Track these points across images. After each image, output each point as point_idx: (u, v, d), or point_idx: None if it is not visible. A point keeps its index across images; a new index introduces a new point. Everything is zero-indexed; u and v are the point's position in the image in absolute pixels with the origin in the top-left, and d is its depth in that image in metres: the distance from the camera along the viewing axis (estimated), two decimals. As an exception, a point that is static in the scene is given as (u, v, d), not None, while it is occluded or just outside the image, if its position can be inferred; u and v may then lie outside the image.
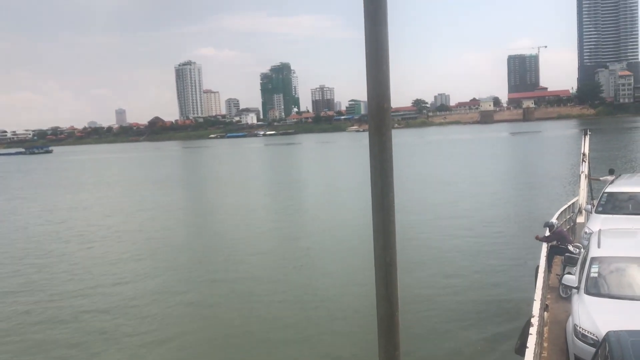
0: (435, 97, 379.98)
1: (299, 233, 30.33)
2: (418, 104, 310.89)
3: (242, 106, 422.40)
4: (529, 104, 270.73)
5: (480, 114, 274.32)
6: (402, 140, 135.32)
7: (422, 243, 24.70)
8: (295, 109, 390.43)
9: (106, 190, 57.42)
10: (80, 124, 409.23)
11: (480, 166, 60.65)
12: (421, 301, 17.07)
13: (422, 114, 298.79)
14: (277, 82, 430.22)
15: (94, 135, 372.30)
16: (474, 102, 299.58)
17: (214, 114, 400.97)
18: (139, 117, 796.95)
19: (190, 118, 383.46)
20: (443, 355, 13.75)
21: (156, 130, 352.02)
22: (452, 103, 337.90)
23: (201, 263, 24.24)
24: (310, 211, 37.91)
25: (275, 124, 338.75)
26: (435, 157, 77.62)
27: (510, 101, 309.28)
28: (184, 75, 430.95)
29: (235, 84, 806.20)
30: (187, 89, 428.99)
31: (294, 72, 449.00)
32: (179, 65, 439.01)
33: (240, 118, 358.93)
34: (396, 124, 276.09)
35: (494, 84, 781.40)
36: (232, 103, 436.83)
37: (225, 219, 35.42)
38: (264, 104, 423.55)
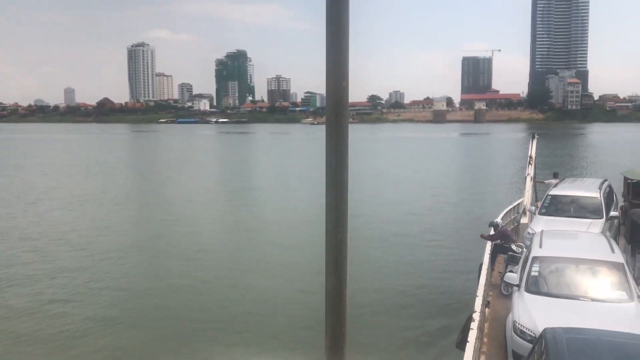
0: (390, 94, 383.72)
1: (251, 223, 30.10)
2: (373, 99, 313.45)
3: (195, 92, 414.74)
4: (481, 105, 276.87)
5: (433, 113, 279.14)
6: (355, 135, 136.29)
7: (370, 241, 24.89)
8: (250, 98, 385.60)
9: (38, 175, 54.49)
10: (26, 102, 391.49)
11: (430, 166, 61.71)
12: (367, 295, 17.23)
13: (377, 110, 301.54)
14: (233, 69, 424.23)
15: (39, 113, 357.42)
16: (428, 101, 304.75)
17: (165, 98, 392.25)
18: (89, 97, 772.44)
19: (141, 101, 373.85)
20: (387, 346, 13.92)
21: (105, 111, 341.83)
22: (407, 101, 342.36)
23: (143, 253, 23.69)
24: (262, 201, 37.70)
25: (229, 111, 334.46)
26: (388, 155, 78.39)
27: (463, 102, 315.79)
28: (136, 57, 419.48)
29: (189, 69, 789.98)
30: (139, 71, 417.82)
31: (250, 60, 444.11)
32: (132, 46, 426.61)
33: (193, 104, 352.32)
34: (350, 119, 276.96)
35: (448, 85, 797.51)
36: (185, 88, 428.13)
37: (174, 209, 34.65)
38: (218, 91, 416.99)
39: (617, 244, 12.94)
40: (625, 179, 22.21)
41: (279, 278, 19.45)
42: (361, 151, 79.75)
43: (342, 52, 1.51)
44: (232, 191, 42.84)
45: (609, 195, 18.28)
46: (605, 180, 19.52)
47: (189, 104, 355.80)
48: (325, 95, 1.69)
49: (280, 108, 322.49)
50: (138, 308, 16.66)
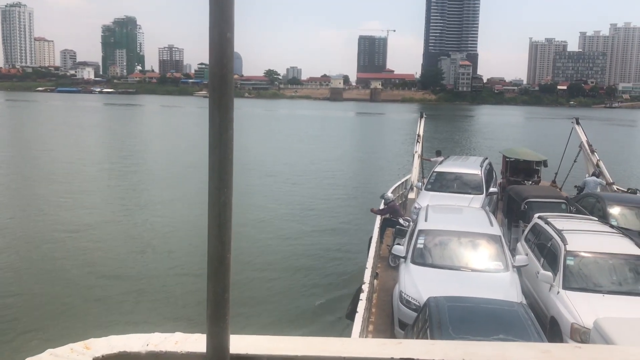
0: (287, 69, 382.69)
1: (136, 203, 28.90)
2: (270, 74, 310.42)
3: (79, 59, 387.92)
4: (377, 85, 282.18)
5: (330, 90, 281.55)
6: (250, 111, 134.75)
7: (262, 217, 24.87)
8: (139, 68, 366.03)
9: None
10: None
11: (325, 144, 62.50)
12: (257, 270, 17.30)
13: (274, 86, 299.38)
14: (121, 36, 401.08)
15: None
16: (325, 79, 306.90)
17: (46, 65, 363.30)
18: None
19: (17, 67, 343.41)
20: (277, 319, 14.02)
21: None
22: (304, 77, 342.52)
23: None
24: (147, 182, 36.30)
25: (116, 81, 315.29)
26: (282, 132, 78.16)
27: (359, 81, 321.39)
28: (12, 18, 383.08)
29: (73, 35, 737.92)
30: (14, 34, 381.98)
31: (140, 28, 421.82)
32: (6, 6, 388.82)
33: (76, 72, 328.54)
34: (247, 93, 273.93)
35: (345, 63, 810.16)
36: (69, 55, 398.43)
37: (45, 190, 32.34)
38: (104, 59, 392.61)
39: (496, 217, 13.88)
40: (504, 157, 23.94)
41: (164, 256, 19.01)
42: (256, 128, 79.17)
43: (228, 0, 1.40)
44: (112, 169, 40.68)
45: (489, 173, 19.54)
46: (486, 159, 20.83)
47: (72, 72, 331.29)
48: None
49: (172, 79, 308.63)
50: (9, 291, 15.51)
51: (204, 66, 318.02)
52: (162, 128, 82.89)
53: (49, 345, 1.74)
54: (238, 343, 1.62)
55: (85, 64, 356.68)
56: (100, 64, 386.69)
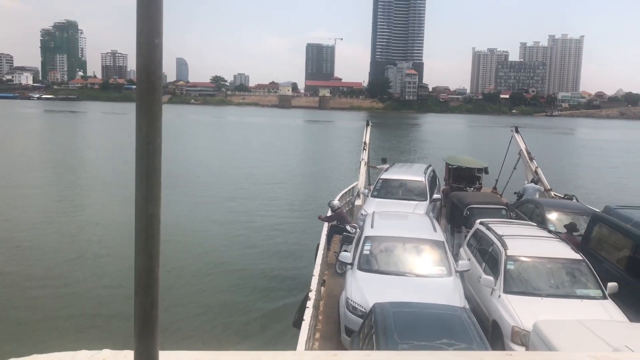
0: (235, 76, 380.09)
1: (65, 215, 27.92)
2: (217, 81, 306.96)
3: (16, 64, 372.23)
4: (325, 92, 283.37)
5: (279, 98, 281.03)
6: (196, 118, 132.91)
7: (206, 226, 24.50)
8: (81, 73, 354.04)
9: None
10: None
11: (273, 152, 62.27)
12: (204, 282, 17.00)
13: (221, 92, 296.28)
14: (61, 41, 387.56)
15: None
16: (273, 86, 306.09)
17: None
18: None
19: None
20: (226, 332, 13.80)
21: None
22: (252, 84, 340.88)
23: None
24: (80, 193, 35.22)
25: (56, 87, 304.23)
26: (229, 140, 77.26)
27: (308, 88, 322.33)
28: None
29: (10, 39, 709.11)
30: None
31: (81, 32, 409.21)
32: None
33: (13, 77, 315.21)
34: (193, 100, 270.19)
35: (293, 70, 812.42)
36: (5, 59, 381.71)
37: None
38: (43, 65, 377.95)
39: (439, 223, 14.16)
40: (447, 164, 24.53)
41: (94, 269, 18.34)
42: (201, 136, 78.06)
43: (156, 5, 1.36)
44: (47, 181, 39.20)
45: (433, 180, 19.96)
46: (430, 166, 21.26)
47: (9, 77, 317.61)
48: (138, 66, 1.48)
49: (115, 85, 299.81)
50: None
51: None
52: (103, 135, 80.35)
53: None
54: (167, 359, 1.57)
55: (23, 69, 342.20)
56: (40, 69, 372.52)
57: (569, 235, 12.70)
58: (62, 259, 19.24)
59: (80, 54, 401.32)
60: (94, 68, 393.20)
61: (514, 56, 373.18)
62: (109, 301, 15.23)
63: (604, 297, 9.48)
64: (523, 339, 8.30)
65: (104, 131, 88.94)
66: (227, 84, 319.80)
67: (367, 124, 26.42)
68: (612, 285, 9.79)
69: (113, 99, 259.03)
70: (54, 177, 38.13)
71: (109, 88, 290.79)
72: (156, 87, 1.38)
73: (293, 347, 7.90)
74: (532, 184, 20.74)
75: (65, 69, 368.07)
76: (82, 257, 19.54)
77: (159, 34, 1.39)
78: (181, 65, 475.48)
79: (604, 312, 8.86)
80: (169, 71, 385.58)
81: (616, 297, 9.65)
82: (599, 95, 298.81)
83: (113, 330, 13.29)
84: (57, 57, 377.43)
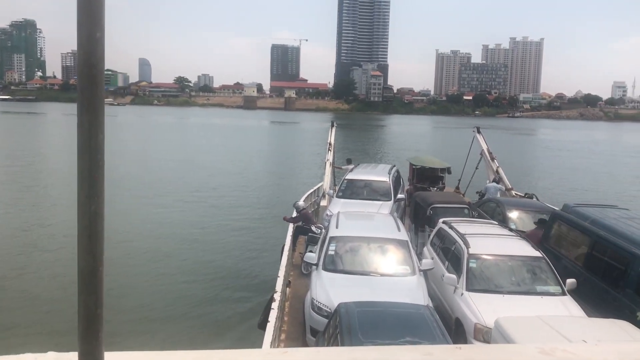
0: (199, 76, 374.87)
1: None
2: (181, 81, 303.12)
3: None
4: (291, 93, 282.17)
5: (244, 98, 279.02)
6: (159, 119, 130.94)
7: (169, 228, 24.18)
8: (40, 74, 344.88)
9: None
10: None
11: (237, 153, 61.79)
12: (167, 284, 16.75)
13: (185, 93, 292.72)
14: (19, 40, 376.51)
15: None
16: (238, 86, 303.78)
17: None
18: None
19: None
20: (188, 333, 13.62)
21: None
22: (216, 85, 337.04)
23: None
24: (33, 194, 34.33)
25: (13, 88, 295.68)
26: (192, 142, 76.32)
27: (273, 89, 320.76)
28: None
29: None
30: None
31: (40, 32, 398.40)
32: None
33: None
34: (156, 101, 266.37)
35: (258, 71, 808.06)
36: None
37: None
38: (0, 65, 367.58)
39: (403, 223, 14.29)
40: (411, 165, 24.79)
41: (37, 271, 17.90)
42: (163, 138, 76.98)
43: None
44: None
45: (397, 180, 20.14)
46: (394, 166, 21.45)
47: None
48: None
49: (75, 86, 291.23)
50: None
51: (110, 72, 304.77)
52: (59, 137, 78.34)
53: None
54: (114, 360, 1.53)
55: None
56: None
57: (538, 230, 13.09)
58: (4, 261, 18.67)
59: (39, 54, 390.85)
60: (54, 68, 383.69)
61: (477, 58, 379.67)
62: (55, 302, 14.85)
63: (563, 294, 9.71)
64: (485, 335, 8.44)
65: (61, 133, 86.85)
66: (191, 84, 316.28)
67: (332, 125, 26.50)
68: (570, 281, 10.04)
69: (73, 100, 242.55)
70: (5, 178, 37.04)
71: (69, 89, 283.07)
72: (98, 81, 1.35)
73: (258, 348, 7.84)
74: (494, 184, 21.10)
75: (23, 69, 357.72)
76: (27, 258, 19.04)
77: (100, 28, 1.37)
78: (144, 65, 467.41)
79: (563, 307, 9.09)
80: (132, 72, 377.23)
81: (575, 293, 9.90)
82: (559, 96, 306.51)
83: (59, 332, 12.94)
84: (14, 56, 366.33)
